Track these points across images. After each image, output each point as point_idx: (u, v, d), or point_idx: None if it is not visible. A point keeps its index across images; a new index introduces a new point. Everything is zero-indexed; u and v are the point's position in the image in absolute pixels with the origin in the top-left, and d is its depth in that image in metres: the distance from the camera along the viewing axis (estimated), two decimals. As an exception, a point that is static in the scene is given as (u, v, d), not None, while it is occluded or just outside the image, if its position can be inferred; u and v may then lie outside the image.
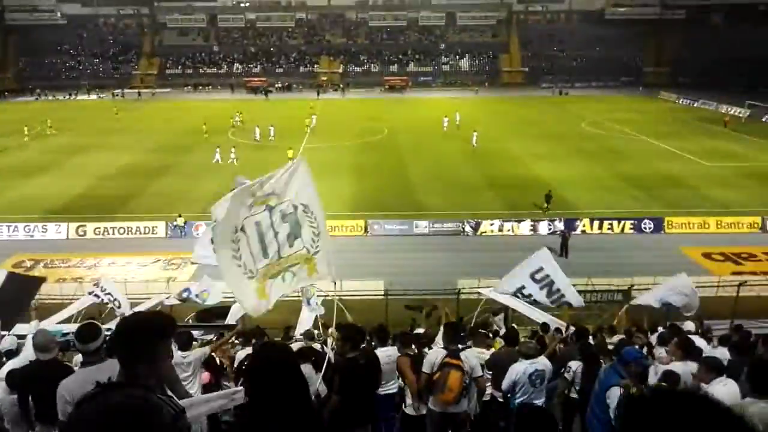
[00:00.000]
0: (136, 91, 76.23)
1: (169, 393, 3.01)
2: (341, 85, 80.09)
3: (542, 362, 7.29)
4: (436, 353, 6.69)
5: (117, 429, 1.26)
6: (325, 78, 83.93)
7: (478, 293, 17.25)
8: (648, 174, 34.49)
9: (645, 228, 26.50)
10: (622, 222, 26.62)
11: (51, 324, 13.25)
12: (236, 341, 11.19)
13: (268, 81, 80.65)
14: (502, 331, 11.75)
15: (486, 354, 8.65)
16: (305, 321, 15.45)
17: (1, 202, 30.74)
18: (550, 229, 26.20)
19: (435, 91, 79.46)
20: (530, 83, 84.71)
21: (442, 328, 9.09)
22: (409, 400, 7.08)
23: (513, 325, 14.79)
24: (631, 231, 26.44)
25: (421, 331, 13.27)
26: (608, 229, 26.50)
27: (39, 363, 5.54)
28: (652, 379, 6.54)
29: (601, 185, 32.58)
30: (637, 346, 8.07)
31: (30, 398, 5.49)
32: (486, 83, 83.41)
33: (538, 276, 10.93)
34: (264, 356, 2.84)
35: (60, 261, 24.26)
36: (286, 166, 6.21)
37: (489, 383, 7.83)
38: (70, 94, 74.50)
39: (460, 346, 7.13)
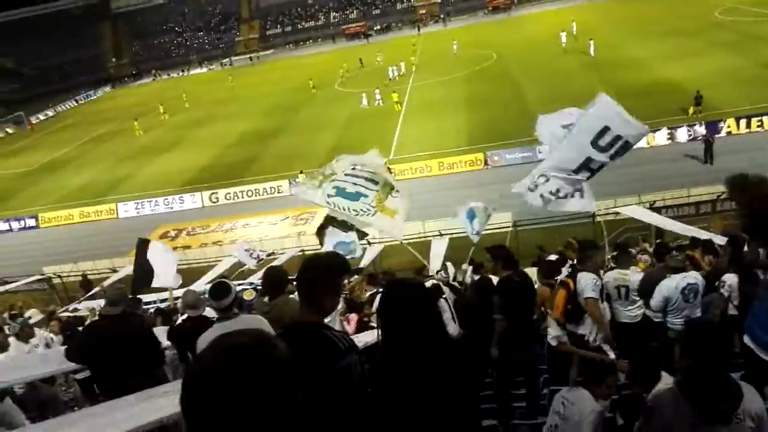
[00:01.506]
0: (245, 57, 77.99)
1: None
2: (441, 16, 76.99)
3: (693, 275, 6.71)
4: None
5: (232, 362, 1.29)
6: (423, 11, 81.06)
7: (616, 213, 16.62)
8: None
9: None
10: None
11: (199, 286, 14.13)
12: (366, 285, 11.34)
13: (367, 25, 79.48)
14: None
15: (630, 275, 7.90)
16: (436, 257, 15.28)
17: (142, 179, 33.19)
18: (690, 135, 23.77)
19: (544, 4, 74.12)
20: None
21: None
22: (553, 332, 6.69)
23: (659, 240, 13.70)
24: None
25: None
26: (758, 126, 23.53)
27: (190, 319, 6.14)
28: None
29: (744, 79, 28.82)
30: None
31: (187, 351, 5.92)
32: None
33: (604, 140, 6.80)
34: (395, 294, 2.76)
35: (200, 228, 25.82)
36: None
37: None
38: (182, 71, 77.84)
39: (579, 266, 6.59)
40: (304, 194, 6.40)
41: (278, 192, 27.75)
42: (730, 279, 6.97)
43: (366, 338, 5.75)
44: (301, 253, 17.73)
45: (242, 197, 28.06)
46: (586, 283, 6.14)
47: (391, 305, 2.70)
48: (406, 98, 37.61)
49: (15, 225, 29.74)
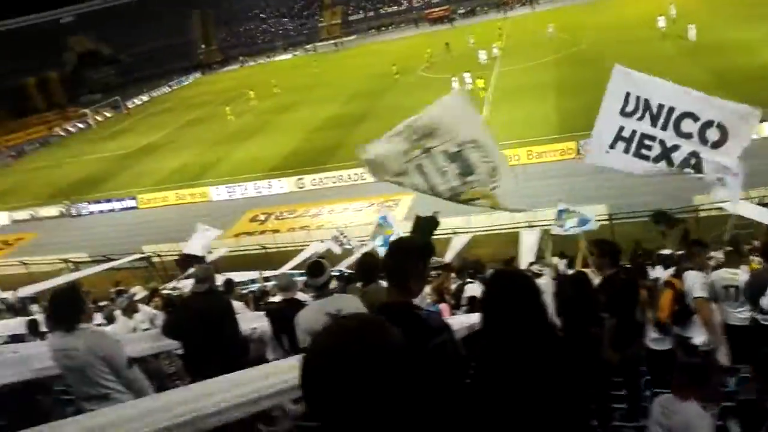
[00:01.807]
0: (328, 43, 78.83)
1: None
2: (530, -2, 74.64)
3: None
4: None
5: (343, 347, 1.30)
6: (510, -6, 79.05)
7: (720, 208, 15.60)
8: None
9: None
10: None
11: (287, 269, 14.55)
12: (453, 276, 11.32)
13: (450, 9, 78.30)
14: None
15: (740, 274, 7.37)
16: (528, 251, 14.90)
17: (231, 164, 34.33)
18: (807, 126, 21.98)
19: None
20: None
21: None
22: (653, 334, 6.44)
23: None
24: None
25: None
26: None
27: (284, 301, 6.35)
28: None
29: None
30: None
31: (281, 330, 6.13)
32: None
33: (630, 107, 6.48)
34: (501, 284, 2.79)
35: (287, 212, 26.45)
36: (438, 103, 5.60)
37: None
38: (268, 57, 79.55)
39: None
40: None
41: (362, 179, 27.87)
42: None
43: (456, 320, 5.68)
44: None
45: (327, 183, 28.46)
46: (694, 281, 5.80)
47: (497, 295, 2.73)
48: (492, 84, 36.82)
49: (117, 205, 31.58)
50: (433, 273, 11.49)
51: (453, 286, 10.76)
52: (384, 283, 4.98)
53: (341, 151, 31.94)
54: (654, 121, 6.16)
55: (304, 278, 12.85)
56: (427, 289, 7.91)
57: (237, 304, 9.04)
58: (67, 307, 4.39)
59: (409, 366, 1.34)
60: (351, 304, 4.82)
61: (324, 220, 24.74)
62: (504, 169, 5.56)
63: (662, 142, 6.13)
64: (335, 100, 44.20)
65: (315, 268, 5.05)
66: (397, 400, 1.30)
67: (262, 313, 8.11)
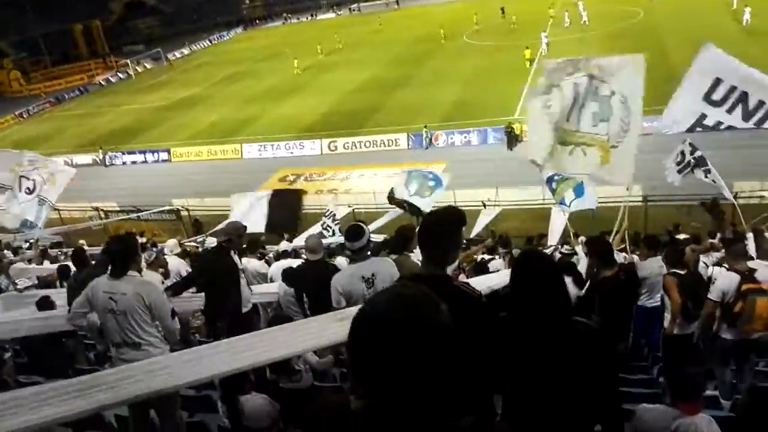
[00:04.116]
0: (375, 3, 76.97)
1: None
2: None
3: None
4: (729, 280, 5.64)
5: (395, 319, 1.30)
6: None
7: (761, 197, 15.05)
8: None
9: None
10: None
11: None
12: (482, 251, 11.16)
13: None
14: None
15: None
16: (557, 230, 14.19)
17: (265, 122, 34.06)
18: None
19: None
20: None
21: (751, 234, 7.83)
22: (668, 318, 6.40)
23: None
24: None
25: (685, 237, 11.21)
26: None
27: (309, 263, 6.35)
28: None
29: None
30: None
31: (304, 294, 6.32)
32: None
33: (716, 95, 6.30)
34: (526, 264, 2.74)
35: (317, 174, 26.08)
36: (619, 58, 5.90)
37: None
38: (312, 15, 78.52)
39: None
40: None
41: (396, 145, 27.32)
42: None
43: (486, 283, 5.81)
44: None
45: (360, 147, 27.90)
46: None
47: (524, 276, 2.70)
48: (539, 54, 35.41)
49: (150, 157, 31.67)
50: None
51: (479, 258, 10.61)
52: (413, 256, 5.64)
53: (377, 115, 31.33)
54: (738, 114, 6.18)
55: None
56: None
57: (257, 263, 9.32)
58: (120, 253, 4.66)
59: (454, 341, 1.33)
60: (386, 268, 4.90)
61: (353, 184, 24.27)
62: (632, 139, 5.98)
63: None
64: (375, 62, 43.29)
65: (354, 231, 5.02)
66: (443, 375, 1.30)
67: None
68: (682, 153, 11.03)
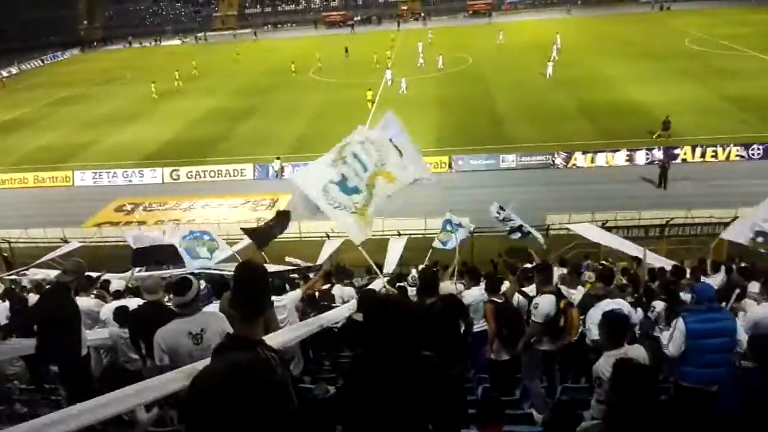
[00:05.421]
0: (220, 33, 76.45)
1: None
2: (422, 14, 77.07)
3: (618, 302, 6.74)
4: (549, 302, 6.36)
5: (240, 387, 1.37)
6: (405, 7, 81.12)
7: (567, 229, 16.79)
8: (760, 95, 30.74)
9: (754, 154, 24.16)
10: (728, 148, 24.32)
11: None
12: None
13: (347, 14, 78.97)
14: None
15: (575, 294, 8.21)
16: (393, 260, 15.37)
17: (101, 149, 32.42)
18: (647, 159, 24.49)
19: (522, 13, 74.98)
20: (628, -2, 77.96)
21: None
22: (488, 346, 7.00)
23: (604, 262, 14.04)
24: (738, 158, 24.21)
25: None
26: (712, 156, 24.37)
27: (147, 303, 6.11)
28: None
29: (705, 108, 29.78)
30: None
31: (139, 336, 5.93)
32: (579, 0, 77.67)
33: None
34: (383, 311, 2.79)
35: (157, 204, 25.41)
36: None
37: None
38: (155, 40, 76.08)
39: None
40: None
41: (242, 175, 27.49)
42: (659, 306, 7.34)
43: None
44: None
45: (204, 176, 27.66)
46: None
47: (377, 325, 2.74)
48: (380, 93, 37.58)
49: (-35, 183, 28.76)
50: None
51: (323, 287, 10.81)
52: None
53: (223, 144, 31.24)
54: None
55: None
56: (299, 291, 8.01)
57: (92, 302, 8.27)
58: None
59: (288, 404, 1.47)
60: (216, 323, 4.66)
61: (197, 214, 24.02)
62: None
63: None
64: (222, 92, 43.11)
65: (181, 285, 4.77)
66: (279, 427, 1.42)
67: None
68: (498, 213, 13.21)
